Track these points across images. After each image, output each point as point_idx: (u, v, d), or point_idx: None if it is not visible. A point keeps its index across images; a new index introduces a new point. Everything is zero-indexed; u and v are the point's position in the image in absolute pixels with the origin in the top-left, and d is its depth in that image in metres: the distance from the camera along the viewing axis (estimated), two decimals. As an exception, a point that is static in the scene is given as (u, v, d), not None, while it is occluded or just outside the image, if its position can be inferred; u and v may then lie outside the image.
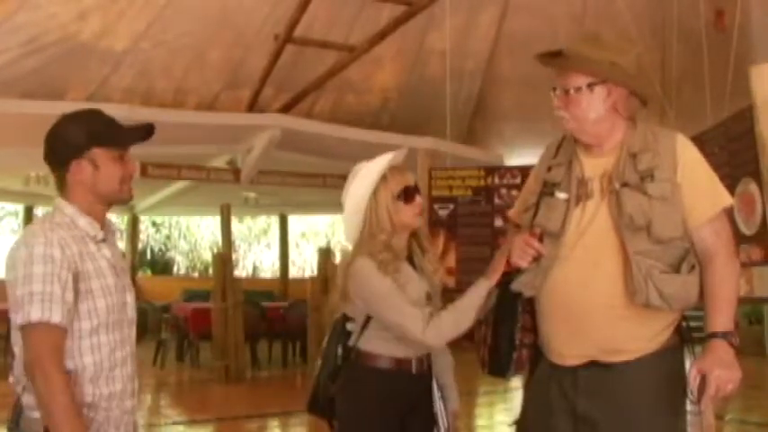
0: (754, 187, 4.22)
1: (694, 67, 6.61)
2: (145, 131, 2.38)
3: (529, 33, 9.30)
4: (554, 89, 2.44)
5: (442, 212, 6.84)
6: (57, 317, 2.10)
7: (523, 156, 11.04)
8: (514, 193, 6.55)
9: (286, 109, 10.11)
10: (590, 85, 2.37)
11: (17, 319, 2.12)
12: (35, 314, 2.09)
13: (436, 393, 2.78)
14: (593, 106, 2.38)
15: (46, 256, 2.13)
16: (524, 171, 6.60)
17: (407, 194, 2.71)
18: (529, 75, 9.86)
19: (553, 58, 2.45)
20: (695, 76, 6.52)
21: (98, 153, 2.29)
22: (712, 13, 6.71)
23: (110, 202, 2.38)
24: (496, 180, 6.79)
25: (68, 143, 2.29)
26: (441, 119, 8.35)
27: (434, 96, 9.33)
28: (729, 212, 2.55)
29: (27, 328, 2.10)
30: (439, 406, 2.77)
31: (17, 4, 7.56)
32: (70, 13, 7.92)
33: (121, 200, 2.38)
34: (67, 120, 2.33)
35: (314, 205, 16.23)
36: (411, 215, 2.72)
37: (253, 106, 10.03)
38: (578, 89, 2.38)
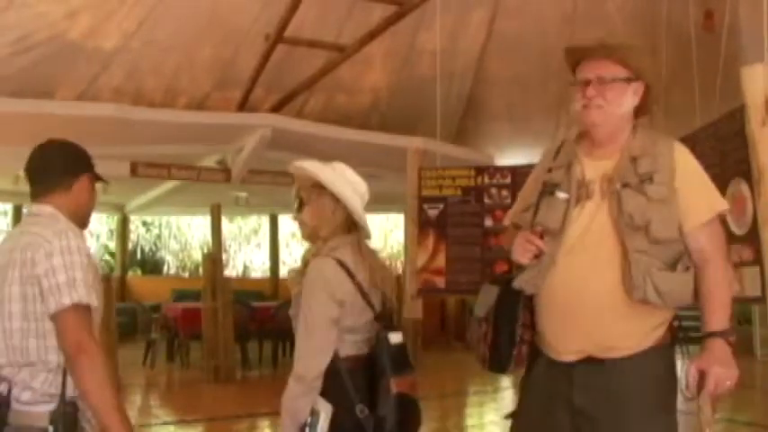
0: (744, 187, 4.23)
1: (683, 67, 6.62)
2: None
3: (519, 34, 9.31)
4: (583, 82, 2.44)
5: (432, 212, 6.82)
6: (94, 302, 2.27)
7: (513, 156, 11.06)
8: (504, 192, 6.56)
9: (276, 109, 10.09)
10: (628, 79, 2.43)
11: (63, 300, 2.19)
12: (83, 297, 2.21)
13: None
14: (626, 100, 2.45)
15: (81, 248, 2.29)
16: (514, 171, 6.60)
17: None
18: (519, 75, 9.90)
19: (588, 49, 2.48)
20: (684, 76, 6.54)
21: (91, 177, 2.52)
22: (701, 13, 6.73)
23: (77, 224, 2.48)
24: (486, 180, 6.77)
25: (83, 157, 2.50)
26: (431, 119, 8.34)
27: (425, 96, 9.31)
28: (723, 218, 2.60)
29: (72, 310, 2.20)
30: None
31: (6, 2, 7.51)
32: (59, 11, 7.87)
33: (82, 226, 2.50)
34: (66, 142, 2.52)
35: (304, 205, 16.17)
36: None
37: (243, 106, 10.00)
38: (616, 79, 2.42)
